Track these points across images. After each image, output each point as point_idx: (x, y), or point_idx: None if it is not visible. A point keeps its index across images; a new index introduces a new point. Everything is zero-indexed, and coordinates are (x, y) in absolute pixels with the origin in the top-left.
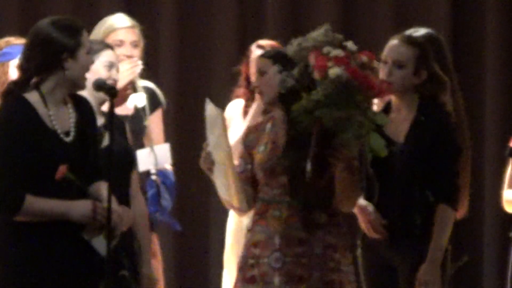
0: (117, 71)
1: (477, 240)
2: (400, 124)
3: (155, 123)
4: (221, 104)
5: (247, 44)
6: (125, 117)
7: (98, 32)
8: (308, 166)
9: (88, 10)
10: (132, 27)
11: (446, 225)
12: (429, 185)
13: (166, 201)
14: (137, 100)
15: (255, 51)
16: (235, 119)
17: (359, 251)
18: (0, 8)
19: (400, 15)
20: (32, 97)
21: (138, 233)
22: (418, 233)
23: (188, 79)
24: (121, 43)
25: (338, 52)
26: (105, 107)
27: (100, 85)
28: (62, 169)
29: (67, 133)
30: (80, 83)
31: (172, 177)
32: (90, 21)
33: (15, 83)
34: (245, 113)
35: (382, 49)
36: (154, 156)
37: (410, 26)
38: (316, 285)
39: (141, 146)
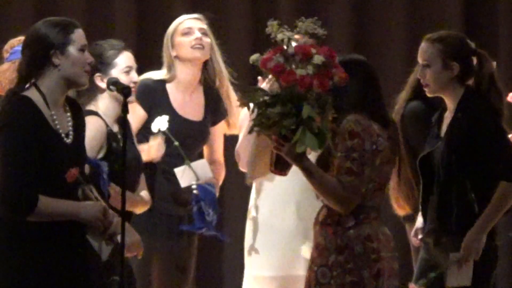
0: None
1: None
2: (447, 122)
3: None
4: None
5: (260, 43)
6: (194, 122)
7: (165, 44)
8: (272, 159)
9: (101, 9)
10: (198, 18)
11: (504, 201)
12: (469, 180)
13: (210, 216)
14: (160, 123)
15: None
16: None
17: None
18: (15, 7)
19: (413, 14)
20: (34, 96)
21: None
22: (454, 230)
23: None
24: (189, 31)
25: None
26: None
27: (114, 84)
28: (74, 172)
29: (67, 135)
30: (77, 80)
31: (213, 190)
32: (103, 20)
33: (13, 89)
34: None
35: (395, 47)
36: (193, 172)
37: (423, 25)
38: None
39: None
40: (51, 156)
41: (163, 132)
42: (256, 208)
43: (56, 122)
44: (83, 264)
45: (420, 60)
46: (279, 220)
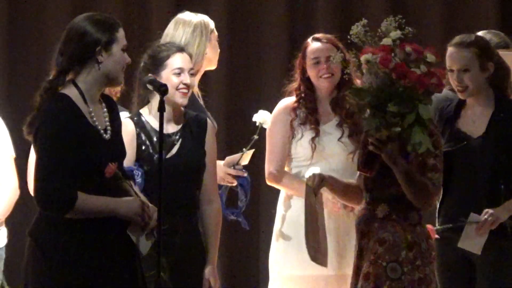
0: (190, 72)
1: None
2: (476, 120)
3: None
4: (273, 101)
5: (296, 39)
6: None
7: (199, 33)
8: (358, 157)
9: (139, 7)
10: None
11: None
12: None
13: (241, 202)
14: (265, 118)
15: (312, 44)
16: (280, 122)
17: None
18: (52, 7)
19: (448, 13)
20: (71, 93)
21: (207, 236)
22: (509, 228)
23: (238, 75)
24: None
25: (386, 41)
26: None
27: (150, 83)
28: (113, 167)
29: (105, 130)
30: (116, 78)
31: (248, 177)
32: (140, 18)
33: (51, 81)
34: (294, 109)
35: (431, 44)
36: (240, 157)
37: (458, 24)
38: (361, 277)
39: None
40: (90, 152)
41: (259, 126)
42: (285, 207)
43: (94, 118)
44: (125, 259)
45: (454, 65)
46: None
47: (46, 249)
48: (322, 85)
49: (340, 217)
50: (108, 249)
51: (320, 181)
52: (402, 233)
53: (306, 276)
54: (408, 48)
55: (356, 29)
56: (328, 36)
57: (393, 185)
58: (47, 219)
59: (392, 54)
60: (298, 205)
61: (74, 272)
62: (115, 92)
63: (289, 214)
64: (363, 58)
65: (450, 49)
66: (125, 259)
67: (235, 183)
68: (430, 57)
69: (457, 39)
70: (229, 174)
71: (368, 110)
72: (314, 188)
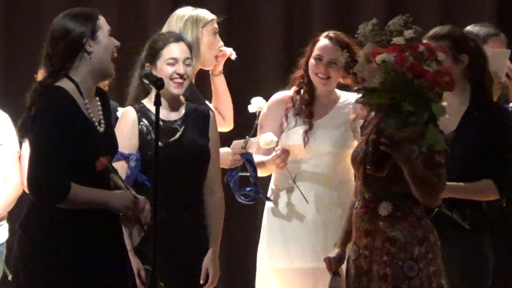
0: (185, 62)
1: None
2: (451, 114)
3: None
4: (270, 93)
5: (293, 32)
6: None
7: (194, 26)
8: (368, 157)
9: (135, 6)
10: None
11: (481, 195)
12: (483, 175)
13: (253, 178)
14: (258, 106)
15: (322, 40)
16: (272, 113)
17: None
18: (47, 6)
19: (445, 9)
20: (67, 86)
21: (209, 226)
22: (468, 223)
23: (235, 71)
24: (217, 32)
25: (398, 40)
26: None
27: (146, 77)
28: (104, 161)
29: (99, 123)
30: (107, 69)
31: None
32: (138, 16)
33: (41, 82)
34: (291, 98)
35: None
36: (244, 142)
37: (456, 19)
38: (374, 279)
39: None
40: (85, 144)
41: (257, 113)
42: (274, 200)
43: (90, 110)
44: (116, 252)
45: None
46: (298, 213)
47: (37, 242)
48: (316, 83)
49: (329, 212)
50: (98, 242)
51: (338, 264)
52: (411, 229)
53: (292, 268)
54: (422, 48)
55: (366, 29)
56: (341, 37)
57: (396, 183)
58: (37, 211)
59: (407, 53)
60: (284, 199)
61: (64, 264)
62: (103, 85)
63: (275, 207)
64: (378, 57)
65: (424, 42)
66: (116, 252)
67: (242, 161)
68: (441, 56)
69: (431, 31)
70: (235, 154)
71: (386, 111)
72: (333, 271)
